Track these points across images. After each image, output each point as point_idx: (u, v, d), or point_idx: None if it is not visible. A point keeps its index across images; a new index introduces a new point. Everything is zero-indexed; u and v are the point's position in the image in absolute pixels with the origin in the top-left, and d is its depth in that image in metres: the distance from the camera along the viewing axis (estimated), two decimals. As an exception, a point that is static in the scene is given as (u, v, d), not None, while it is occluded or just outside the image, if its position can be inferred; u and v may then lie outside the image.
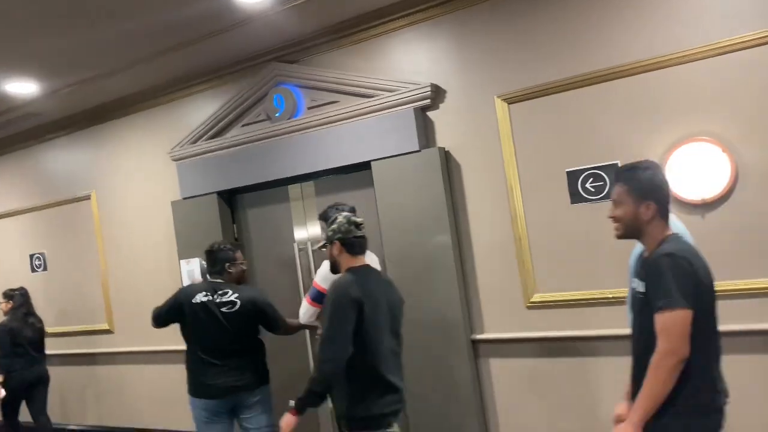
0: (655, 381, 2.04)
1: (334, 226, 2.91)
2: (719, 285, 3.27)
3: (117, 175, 5.66)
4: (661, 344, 2.04)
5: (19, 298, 5.34)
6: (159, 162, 5.33)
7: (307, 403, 2.77)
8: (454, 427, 4.02)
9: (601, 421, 3.67)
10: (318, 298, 3.37)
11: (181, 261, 5.07)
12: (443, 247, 3.99)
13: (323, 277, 3.40)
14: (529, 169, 3.83)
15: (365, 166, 4.27)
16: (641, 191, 2.21)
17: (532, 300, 3.82)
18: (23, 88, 4.81)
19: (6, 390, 5.08)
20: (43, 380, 5.36)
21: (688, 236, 2.81)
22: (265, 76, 4.65)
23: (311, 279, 4.60)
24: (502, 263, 3.93)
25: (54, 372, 5.51)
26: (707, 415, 2.11)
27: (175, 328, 3.68)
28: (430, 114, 4.12)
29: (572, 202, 3.70)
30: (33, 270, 6.34)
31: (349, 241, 2.89)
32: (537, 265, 3.79)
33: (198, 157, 5.03)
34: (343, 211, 3.48)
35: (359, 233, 2.92)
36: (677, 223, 2.86)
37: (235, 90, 4.87)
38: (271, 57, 4.64)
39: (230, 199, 5.07)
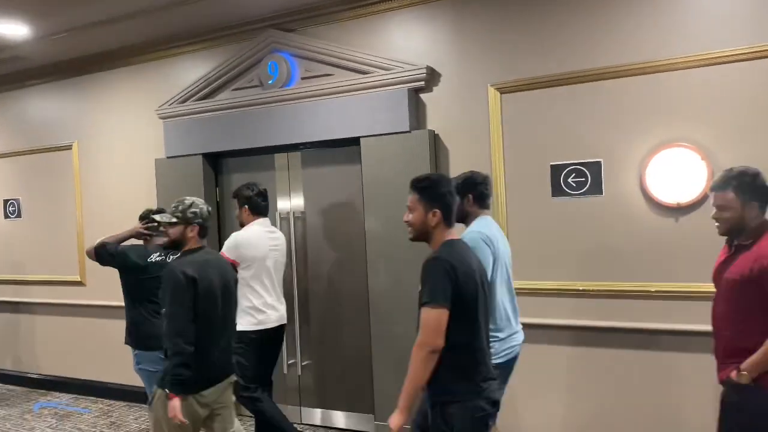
0: (412, 368, 2.31)
1: (196, 210, 3.04)
2: (688, 286, 3.44)
3: (101, 127, 5.59)
4: (419, 337, 2.33)
5: None
6: (145, 118, 5.28)
7: (177, 380, 2.83)
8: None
9: (564, 404, 3.82)
10: None
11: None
12: (424, 228, 4.06)
13: (228, 247, 3.74)
14: (514, 160, 3.91)
15: (354, 141, 4.31)
16: (429, 200, 2.44)
17: (505, 286, 3.92)
18: (14, 30, 4.72)
19: None
20: None
21: (497, 240, 3.03)
22: (261, 42, 4.63)
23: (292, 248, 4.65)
24: (479, 248, 4.02)
25: (23, 320, 5.45)
26: (477, 405, 2.33)
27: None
28: (423, 96, 4.17)
29: (553, 196, 3.80)
30: (6, 216, 6.26)
31: (205, 225, 3.09)
32: (513, 253, 3.88)
33: (186, 117, 5.01)
34: (255, 190, 3.81)
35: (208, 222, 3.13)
36: (489, 222, 3.11)
37: (228, 53, 4.85)
38: (268, 24, 4.62)
39: (215, 162, 5.07)
